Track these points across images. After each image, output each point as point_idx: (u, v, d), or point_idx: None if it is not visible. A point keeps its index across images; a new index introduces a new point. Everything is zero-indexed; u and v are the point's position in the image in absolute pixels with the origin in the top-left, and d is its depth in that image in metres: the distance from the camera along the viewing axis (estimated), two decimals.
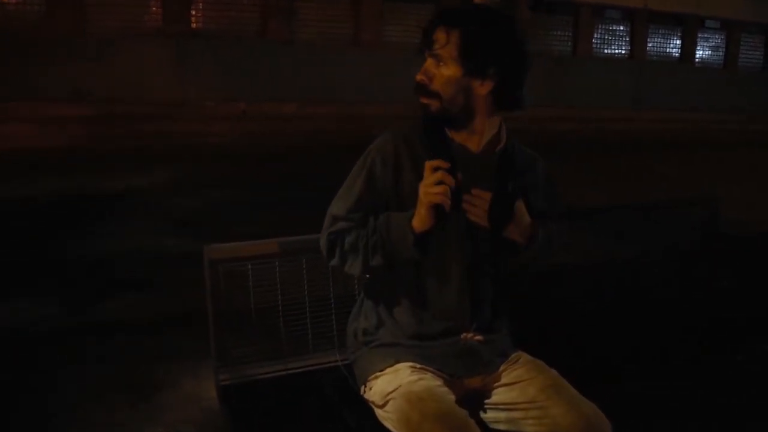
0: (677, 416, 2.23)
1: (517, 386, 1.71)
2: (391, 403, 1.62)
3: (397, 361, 1.69)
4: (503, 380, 1.74)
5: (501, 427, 1.71)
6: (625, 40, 16.13)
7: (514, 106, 1.68)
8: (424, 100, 1.64)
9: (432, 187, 1.51)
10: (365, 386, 1.74)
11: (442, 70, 1.61)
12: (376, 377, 1.70)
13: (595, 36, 15.74)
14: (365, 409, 1.75)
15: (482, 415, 1.73)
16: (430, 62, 1.63)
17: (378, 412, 1.70)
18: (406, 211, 1.61)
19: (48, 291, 3.91)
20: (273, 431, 1.77)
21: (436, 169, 1.51)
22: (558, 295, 2.62)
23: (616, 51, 16.20)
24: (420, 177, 1.56)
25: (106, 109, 9.85)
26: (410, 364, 1.68)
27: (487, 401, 1.73)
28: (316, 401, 1.90)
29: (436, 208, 1.54)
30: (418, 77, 1.63)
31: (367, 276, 1.85)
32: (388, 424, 1.65)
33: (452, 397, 1.61)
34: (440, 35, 1.60)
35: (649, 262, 2.82)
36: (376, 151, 1.68)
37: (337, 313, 2.08)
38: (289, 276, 2.03)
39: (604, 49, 16.00)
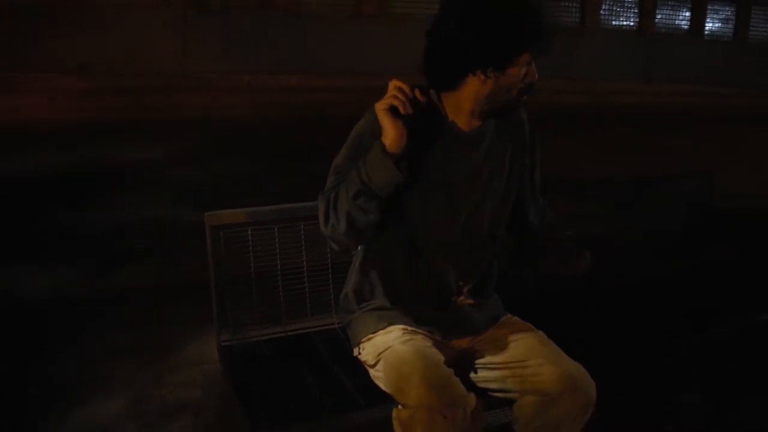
0: (659, 384, 2.31)
1: (504, 346, 1.78)
2: (381, 362, 1.70)
3: (390, 324, 1.76)
4: (491, 341, 1.81)
5: (490, 386, 1.78)
6: (634, 12, 15.98)
7: None
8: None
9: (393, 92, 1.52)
10: (359, 347, 1.81)
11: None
12: (369, 339, 1.77)
13: (603, 7, 15.59)
14: (360, 369, 1.83)
15: (472, 375, 1.80)
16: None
17: (371, 372, 1.78)
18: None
19: (57, 261, 4.00)
20: (270, 390, 1.83)
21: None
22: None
23: (624, 23, 16.05)
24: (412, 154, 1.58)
25: (110, 82, 9.85)
26: (402, 326, 1.75)
27: (476, 362, 1.80)
28: (313, 362, 1.96)
29: (395, 113, 1.52)
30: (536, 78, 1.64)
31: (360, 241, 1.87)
32: (379, 383, 1.73)
33: (441, 358, 1.67)
34: None
35: (641, 235, 2.87)
36: (366, 126, 1.66)
37: (335, 278, 2.13)
38: (288, 242, 2.09)
39: (612, 21, 15.85)
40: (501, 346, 1.79)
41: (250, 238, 2.04)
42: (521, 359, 1.73)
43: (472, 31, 1.55)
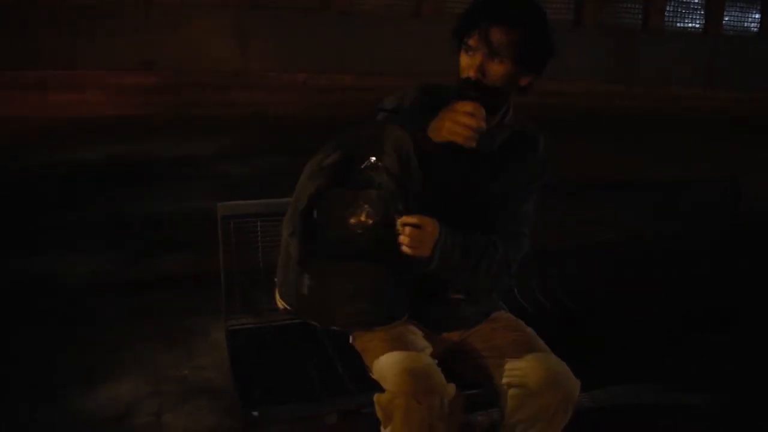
0: (659, 383, 2.30)
1: (492, 340, 1.82)
2: (369, 350, 1.77)
3: None
4: (480, 334, 1.85)
5: (477, 379, 1.82)
6: (700, 14, 15.50)
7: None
8: (472, 94, 1.62)
9: (460, 119, 1.53)
10: (352, 336, 1.88)
11: (497, 67, 1.62)
12: None
13: (668, 8, 15.18)
14: (356, 356, 1.90)
15: (460, 367, 1.84)
16: (481, 59, 1.62)
17: (364, 358, 1.85)
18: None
19: (102, 247, 4.22)
20: (268, 374, 1.92)
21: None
22: (571, 269, 2.68)
23: (690, 25, 15.58)
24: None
25: (170, 79, 10.22)
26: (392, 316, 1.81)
27: (464, 354, 1.85)
28: (313, 349, 2.05)
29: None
30: (473, 74, 1.62)
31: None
32: (368, 370, 1.79)
33: (425, 348, 1.73)
34: (499, 35, 1.60)
35: (662, 240, 2.84)
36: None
37: None
38: None
39: (676, 22, 15.41)
40: (489, 341, 1.83)
41: (259, 228, 2.15)
42: (508, 354, 1.77)
43: None
